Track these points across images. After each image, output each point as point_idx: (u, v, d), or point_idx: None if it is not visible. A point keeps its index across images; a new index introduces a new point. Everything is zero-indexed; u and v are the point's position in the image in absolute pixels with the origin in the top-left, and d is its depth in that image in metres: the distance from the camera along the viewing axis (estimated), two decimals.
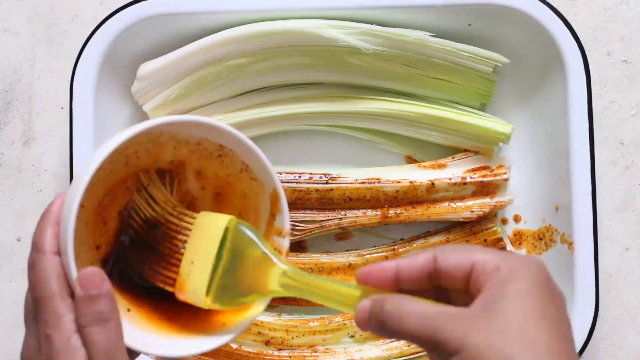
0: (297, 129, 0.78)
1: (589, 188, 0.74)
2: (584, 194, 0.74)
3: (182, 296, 0.61)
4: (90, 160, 0.58)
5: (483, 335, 0.49)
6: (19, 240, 0.79)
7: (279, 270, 0.59)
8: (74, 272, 0.55)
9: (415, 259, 0.55)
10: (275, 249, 0.63)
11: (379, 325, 0.54)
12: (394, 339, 0.76)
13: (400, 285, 0.55)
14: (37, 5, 0.81)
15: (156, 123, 0.60)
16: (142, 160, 0.64)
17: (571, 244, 0.75)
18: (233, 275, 0.60)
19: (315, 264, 0.77)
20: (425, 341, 0.51)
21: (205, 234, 0.61)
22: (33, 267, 0.56)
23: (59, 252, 0.56)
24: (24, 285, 0.58)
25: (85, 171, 0.57)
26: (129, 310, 0.62)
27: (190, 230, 0.61)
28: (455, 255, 0.54)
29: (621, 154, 0.80)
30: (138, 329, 0.61)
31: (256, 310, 0.62)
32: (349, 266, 0.77)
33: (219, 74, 0.76)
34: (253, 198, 0.65)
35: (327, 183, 0.76)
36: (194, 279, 0.60)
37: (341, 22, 0.75)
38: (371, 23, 0.75)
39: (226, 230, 0.60)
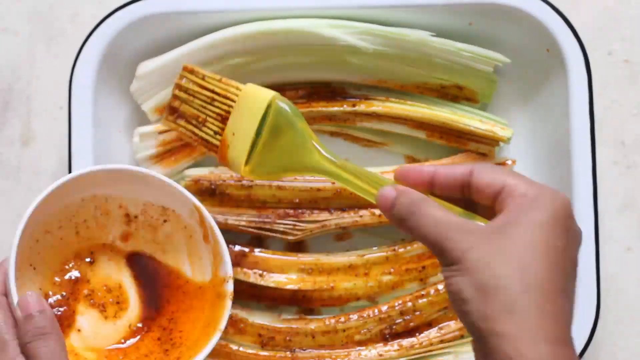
0: None
1: (590, 188, 0.74)
2: (585, 194, 0.74)
3: (223, 162, 0.67)
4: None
5: (484, 254, 0.52)
6: None
7: (316, 152, 0.63)
8: (15, 300, 0.62)
9: (453, 168, 0.58)
10: (219, 294, 0.68)
11: (397, 217, 0.58)
12: (394, 339, 0.76)
13: (433, 190, 0.59)
14: (35, 5, 0.81)
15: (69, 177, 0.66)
16: (92, 231, 0.71)
17: None
18: (272, 150, 0.65)
19: (315, 264, 0.77)
20: (434, 245, 0.55)
21: (248, 108, 0.65)
22: None
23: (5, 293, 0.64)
24: None
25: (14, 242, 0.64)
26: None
27: (234, 101, 0.66)
28: (490, 174, 0.56)
29: (622, 154, 0.80)
30: None
31: (206, 350, 0.67)
32: (349, 266, 0.77)
33: (219, 73, 0.75)
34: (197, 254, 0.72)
35: (326, 183, 0.76)
36: (234, 149, 0.65)
37: (341, 22, 0.75)
38: (371, 23, 0.75)
39: (268, 106, 0.64)
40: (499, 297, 0.51)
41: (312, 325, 0.77)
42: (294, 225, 0.77)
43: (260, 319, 0.77)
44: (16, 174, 0.80)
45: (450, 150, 0.78)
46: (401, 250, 0.77)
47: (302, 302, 0.77)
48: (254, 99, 0.66)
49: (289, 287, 0.77)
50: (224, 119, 0.67)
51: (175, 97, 0.70)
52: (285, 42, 0.75)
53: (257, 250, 0.77)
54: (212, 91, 0.68)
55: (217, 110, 0.68)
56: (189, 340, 0.70)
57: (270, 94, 0.66)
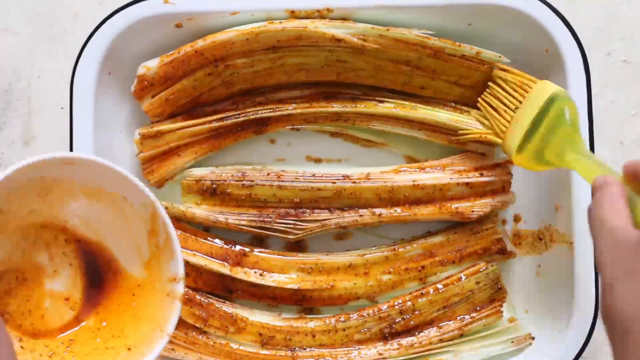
0: (297, 128, 0.78)
1: (590, 188, 0.74)
2: (584, 194, 0.74)
3: (503, 149, 0.73)
4: None
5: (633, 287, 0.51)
6: None
7: (578, 150, 0.66)
8: None
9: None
10: (168, 295, 0.67)
11: (588, 209, 0.58)
12: (394, 338, 0.76)
13: None
14: (36, 5, 0.81)
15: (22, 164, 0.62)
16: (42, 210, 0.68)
17: (571, 244, 0.75)
18: (546, 144, 0.68)
19: (315, 264, 0.77)
20: (593, 243, 0.54)
21: (533, 100, 0.70)
22: None
23: None
24: None
25: None
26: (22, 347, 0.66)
27: (527, 92, 0.71)
28: None
29: (622, 154, 0.80)
30: None
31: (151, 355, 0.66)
32: (349, 266, 0.77)
33: (219, 74, 0.76)
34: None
35: (327, 183, 0.76)
36: (512, 136, 0.71)
37: (341, 22, 0.75)
38: (371, 23, 0.75)
39: (551, 101, 0.68)
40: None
41: (312, 325, 0.77)
42: (294, 224, 0.77)
43: (260, 318, 0.77)
44: None
45: (450, 150, 0.78)
46: (401, 249, 0.78)
47: (302, 302, 0.78)
48: (540, 92, 0.70)
49: (289, 286, 0.77)
50: (512, 110, 0.72)
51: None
52: (285, 43, 0.75)
53: (257, 249, 0.78)
54: (514, 84, 0.73)
55: (513, 101, 0.72)
56: (129, 339, 0.68)
57: (554, 89, 0.69)
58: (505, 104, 0.73)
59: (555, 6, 0.75)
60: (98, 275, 0.71)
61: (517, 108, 0.72)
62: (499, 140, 0.73)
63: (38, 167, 0.63)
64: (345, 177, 0.77)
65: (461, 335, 0.76)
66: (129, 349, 0.67)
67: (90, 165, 0.65)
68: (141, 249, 0.70)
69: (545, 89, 0.70)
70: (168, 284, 0.68)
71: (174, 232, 0.67)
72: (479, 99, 0.76)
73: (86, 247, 0.71)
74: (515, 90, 0.73)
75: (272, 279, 0.77)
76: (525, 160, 0.71)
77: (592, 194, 0.59)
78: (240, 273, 0.76)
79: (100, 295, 0.71)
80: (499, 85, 0.75)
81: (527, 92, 0.71)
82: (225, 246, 0.77)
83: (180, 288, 0.67)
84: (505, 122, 0.73)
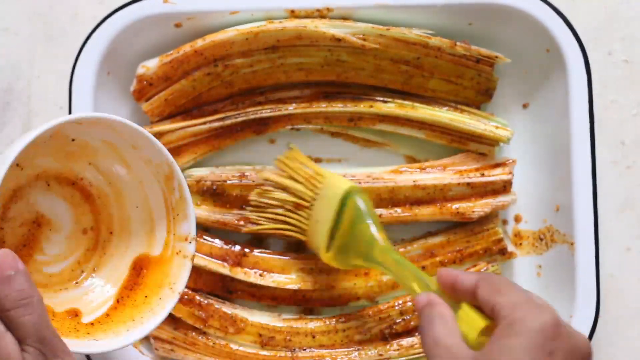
0: (297, 128, 0.78)
1: (590, 188, 0.74)
2: (585, 194, 0.74)
3: (310, 246, 0.70)
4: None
5: None
6: None
7: (378, 245, 0.65)
8: None
9: (462, 280, 0.60)
10: (178, 253, 0.67)
11: (419, 325, 0.60)
12: (394, 338, 0.76)
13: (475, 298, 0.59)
14: (35, 5, 0.81)
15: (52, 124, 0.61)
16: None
17: (572, 244, 0.75)
18: (350, 239, 0.66)
19: (315, 264, 0.77)
20: None
21: (328, 197, 0.67)
22: None
23: None
24: None
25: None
26: None
27: (319, 189, 0.67)
28: (485, 293, 0.58)
29: (622, 154, 0.80)
30: None
31: (158, 319, 0.66)
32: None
33: (218, 73, 0.76)
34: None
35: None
36: (317, 236, 0.68)
37: (341, 22, 0.75)
38: (371, 23, 0.75)
39: (346, 196, 0.66)
40: None
41: (312, 325, 0.77)
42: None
43: (260, 318, 0.77)
44: None
45: (450, 150, 0.78)
46: (401, 250, 0.77)
47: (302, 302, 0.78)
48: (332, 189, 0.67)
49: (289, 286, 0.77)
50: (307, 207, 0.70)
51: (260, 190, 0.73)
52: (285, 43, 0.75)
53: (257, 250, 0.78)
54: (297, 180, 0.71)
55: (299, 198, 0.70)
56: (139, 294, 0.68)
57: (345, 186, 0.67)
58: (301, 199, 0.71)
59: (555, 5, 0.75)
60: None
61: (312, 205, 0.69)
62: (305, 238, 0.71)
63: (61, 127, 0.63)
64: (346, 177, 0.77)
65: None
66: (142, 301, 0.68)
67: (110, 125, 0.65)
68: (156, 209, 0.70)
69: (336, 185, 0.67)
70: (179, 243, 0.68)
71: (188, 194, 0.67)
72: (268, 196, 0.74)
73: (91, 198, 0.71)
74: (305, 185, 0.69)
75: (272, 279, 0.77)
76: (334, 259, 0.69)
77: (418, 311, 0.60)
78: (240, 273, 0.76)
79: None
80: (290, 177, 0.72)
81: (317, 187, 0.68)
82: (225, 246, 0.77)
83: (191, 248, 0.67)
84: (303, 220, 0.70)
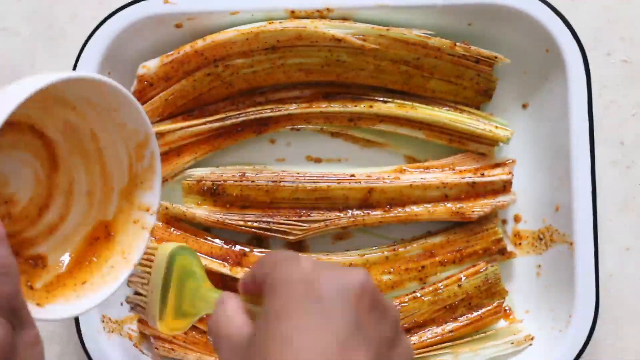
0: (297, 128, 0.78)
1: (589, 188, 0.74)
2: (584, 194, 0.74)
3: (148, 322, 0.65)
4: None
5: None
6: None
7: (203, 288, 0.62)
8: None
9: (245, 277, 0.56)
10: (136, 222, 0.65)
11: None
12: None
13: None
14: (36, 5, 0.81)
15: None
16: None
17: (571, 244, 0.75)
18: (181, 298, 0.63)
19: None
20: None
21: (156, 265, 0.64)
22: None
23: None
24: None
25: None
26: None
27: (152, 262, 0.64)
28: (257, 271, 0.54)
29: (622, 154, 0.80)
30: None
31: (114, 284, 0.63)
32: (349, 266, 0.77)
33: (218, 74, 0.76)
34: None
35: (330, 183, 0.76)
36: (150, 307, 0.64)
37: (341, 22, 0.75)
38: (371, 23, 0.75)
39: (172, 257, 0.63)
40: None
41: None
42: (295, 225, 0.77)
43: None
44: None
45: (450, 150, 0.78)
46: (401, 249, 0.78)
47: None
48: (161, 256, 0.64)
49: None
50: (145, 284, 0.66)
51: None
52: (284, 43, 0.75)
53: (257, 249, 0.78)
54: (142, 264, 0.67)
55: (144, 275, 0.66)
56: (89, 257, 0.66)
57: (170, 247, 0.64)
58: (143, 279, 0.67)
59: (555, 6, 0.75)
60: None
61: (148, 280, 0.66)
62: (156, 313, 0.66)
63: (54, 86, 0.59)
64: (346, 177, 0.77)
65: (461, 337, 0.76)
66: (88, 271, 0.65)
67: (92, 83, 0.61)
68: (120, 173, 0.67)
69: (163, 251, 0.65)
70: (139, 212, 0.66)
71: (159, 166, 0.65)
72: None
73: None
74: (144, 265, 0.66)
75: None
76: (169, 324, 0.65)
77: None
78: (240, 273, 0.76)
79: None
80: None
81: (151, 260, 0.66)
82: (225, 246, 0.77)
83: (151, 220, 0.65)
84: (144, 298, 0.67)
